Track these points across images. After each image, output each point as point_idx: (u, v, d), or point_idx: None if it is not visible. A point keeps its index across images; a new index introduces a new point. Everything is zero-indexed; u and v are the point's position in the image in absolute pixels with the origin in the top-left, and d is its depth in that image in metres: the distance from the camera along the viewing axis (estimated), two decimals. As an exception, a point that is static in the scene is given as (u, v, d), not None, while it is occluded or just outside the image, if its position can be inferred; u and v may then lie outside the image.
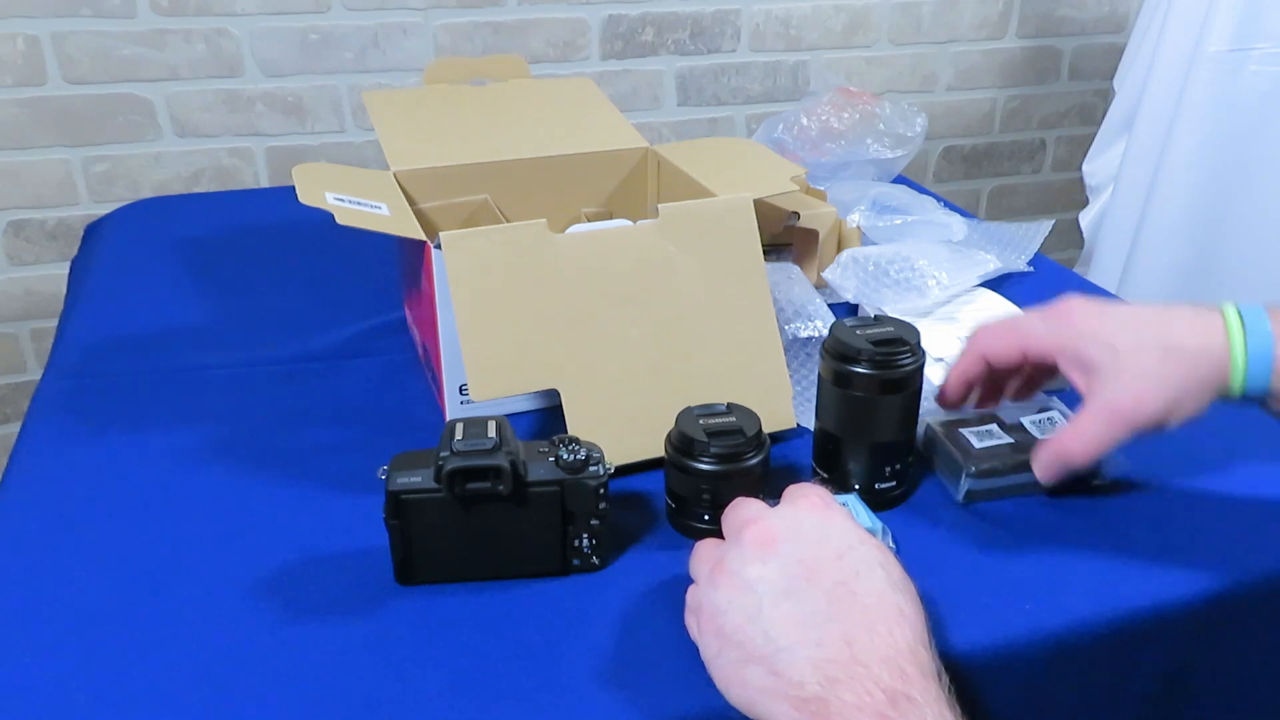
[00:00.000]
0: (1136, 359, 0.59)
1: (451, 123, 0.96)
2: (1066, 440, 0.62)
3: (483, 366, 0.69)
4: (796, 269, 0.95)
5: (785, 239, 0.99)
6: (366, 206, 0.72)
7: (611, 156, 0.91)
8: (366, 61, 1.65)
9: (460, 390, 0.77)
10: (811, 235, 0.97)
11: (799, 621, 0.46)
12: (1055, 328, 0.62)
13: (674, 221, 0.74)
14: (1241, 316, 0.59)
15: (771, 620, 0.47)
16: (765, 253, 0.79)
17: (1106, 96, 1.75)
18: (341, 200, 0.71)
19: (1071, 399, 0.81)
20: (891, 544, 0.66)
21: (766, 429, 0.67)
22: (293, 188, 0.72)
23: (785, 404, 0.75)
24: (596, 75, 1.76)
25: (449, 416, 0.79)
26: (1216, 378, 0.59)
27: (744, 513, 0.54)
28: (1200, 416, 0.60)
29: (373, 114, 0.95)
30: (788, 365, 0.77)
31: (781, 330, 0.84)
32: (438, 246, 0.70)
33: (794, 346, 0.84)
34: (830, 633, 0.45)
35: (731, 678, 0.48)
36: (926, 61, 1.95)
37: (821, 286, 0.96)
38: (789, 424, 0.75)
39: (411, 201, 0.82)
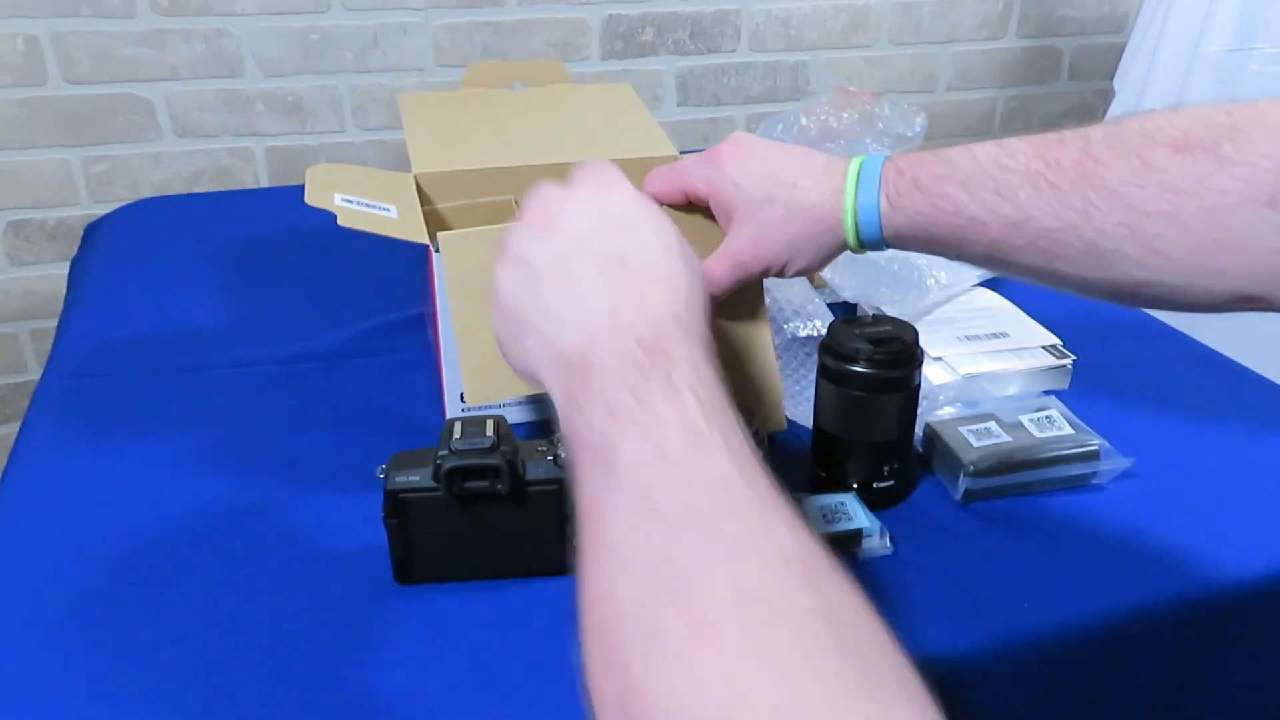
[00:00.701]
0: (762, 212, 0.63)
1: (481, 127, 0.94)
2: None
3: (478, 370, 0.69)
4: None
5: None
6: (373, 208, 0.71)
7: (639, 164, 0.90)
8: (366, 61, 1.65)
9: (461, 398, 0.77)
10: None
11: (572, 294, 0.48)
12: (706, 173, 0.65)
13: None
14: (860, 173, 0.61)
15: (548, 296, 0.49)
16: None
17: (1106, 96, 1.75)
18: (349, 202, 0.70)
19: (1068, 398, 0.81)
20: (889, 544, 0.66)
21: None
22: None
23: (777, 406, 0.75)
24: (596, 75, 1.77)
25: (449, 418, 0.78)
26: (832, 234, 0.62)
27: (530, 198, 0.55)
28: (826, 263, 0.65)
29: (404, 115, 0.93)
30: (787, 365, 0.76)
31: (780, 330, 0.84)
32: (438, 249, 0.70)
33: (793, 346, 0.85)
34: (599, 302, 0.47)
35: (513, 349, 0.51)
36: (926, 61, 1.95)
37: (820, 286, 0.96)
38: (779, 426, 0.75)
39: (430, 203, 0.81)
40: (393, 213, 0.72)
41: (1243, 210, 0.48)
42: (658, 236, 0.51)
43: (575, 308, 0.47)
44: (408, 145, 0.87)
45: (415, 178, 0.81)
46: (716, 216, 0.66)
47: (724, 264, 0.65)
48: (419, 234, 0.71)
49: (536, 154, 0.87)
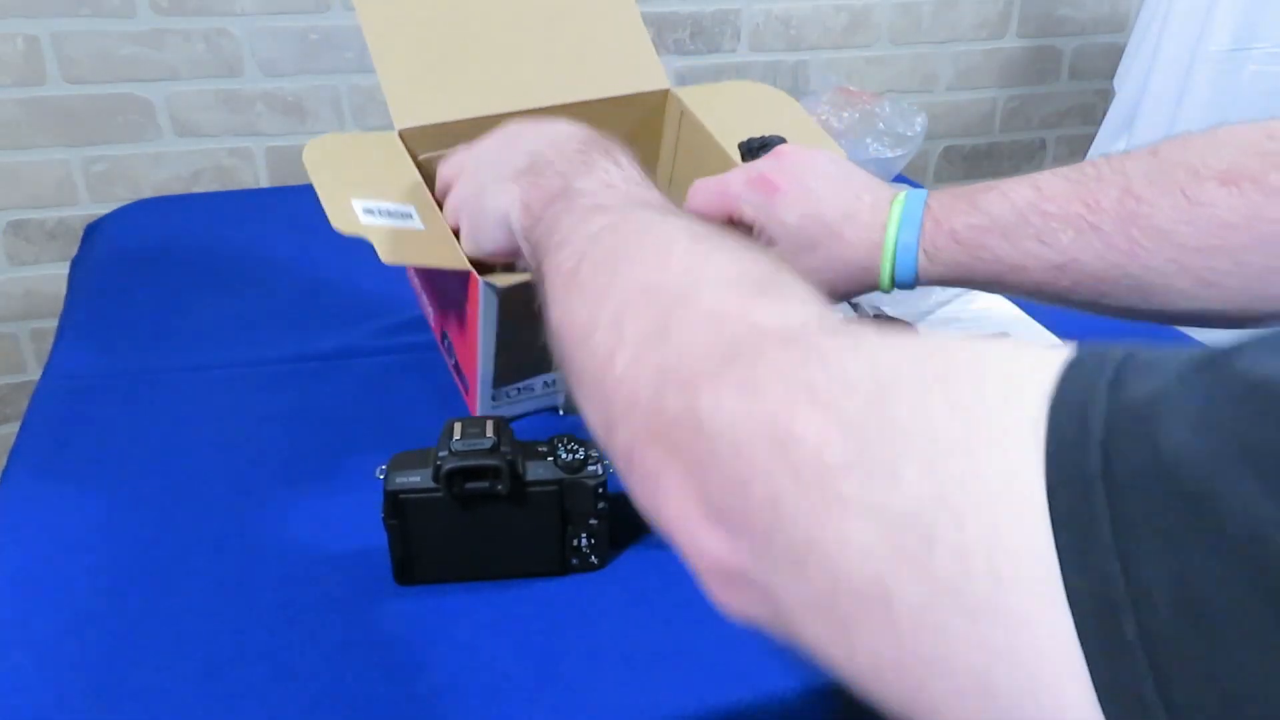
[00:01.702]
0: (803, 255, 0.63)
1: (456, 51, 0.87)
2: None
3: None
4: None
5: None
6: (396, 218, 0.70)
7: (628, 101, 0.88)
8: (366, 61, 1.64)
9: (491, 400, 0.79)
10: None
11: (511, 150, 0.57)
12: (754, 202, 0.64)
13: None
14: (900, 225, 0.60)
15: (489, 166, 0.60)
16: None
17: (1106, 96, 1.75)
18: (371, 213, 0.69)
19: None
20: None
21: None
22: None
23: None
24: (596, 75, 1.76)
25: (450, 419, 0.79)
26: (868, 278, 0.63)
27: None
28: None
29: (362, 15, 0.88)
30: None
31: None
32: (488, 285, 0.69)
33: None
34: (535, 143, 0.56)
35: (478, 219, 0.60)
36: (926, 61, 1.95)
37: None
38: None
39: (413, 155, 0.79)
40: (414, 217, 0.71)
41: None
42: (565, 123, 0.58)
43: (518, 152, 0.56)
44: (381, 81, 0.83)
45: (400, 133, 0.80)
46: (759, 239, 0.65)
47: None
48: (459, 260, 0.67)
49: (523, 95, 0.83)
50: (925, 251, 0.59)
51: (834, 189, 0.63)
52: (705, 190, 0.67)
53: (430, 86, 0.84)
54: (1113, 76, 1.69)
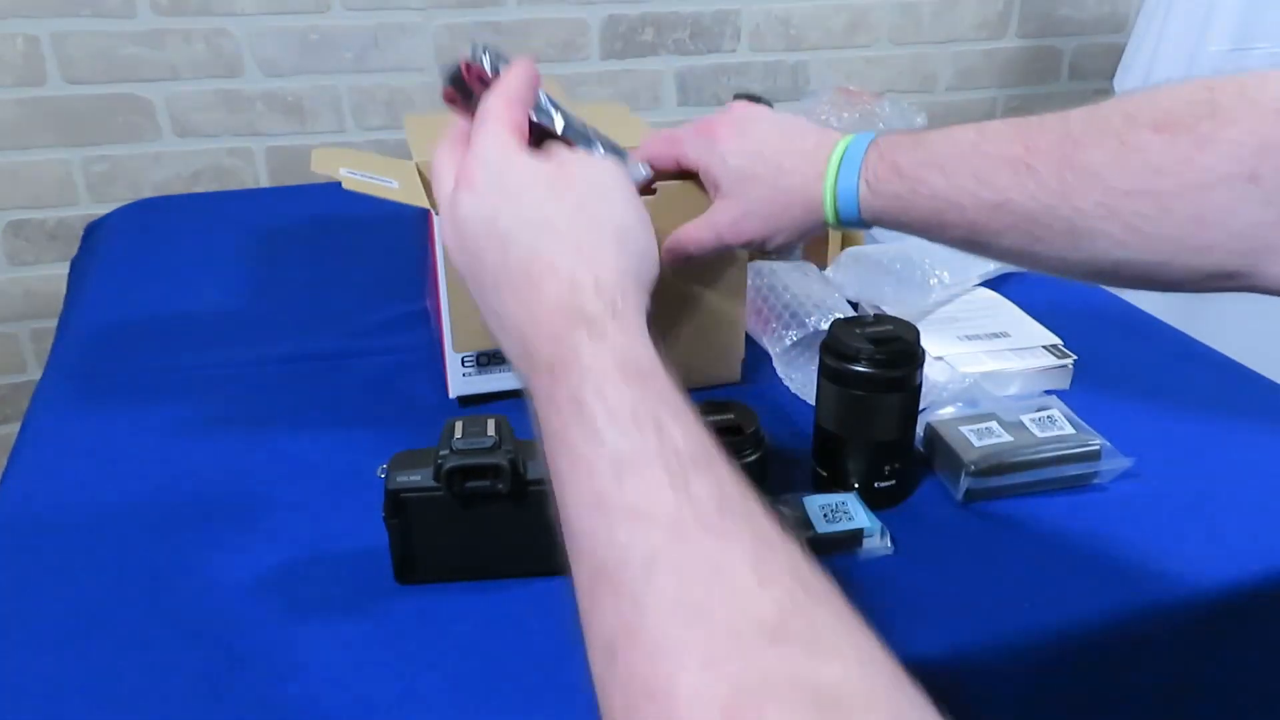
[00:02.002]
0: (746, 188, 0.65)
1: None
2: (681, 235, 0.68)
3: (465, 321, 0.77)
4: (813, 267, 0.95)
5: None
6: (376, 180, 0.73)
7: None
8: (366, 61, 1.65)
9: (463, 362, 0.80)
10: (819, 238, 0.97)
11: (489, 308, 0.50)
12: (698, 145, 0.68)
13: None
14: (843, 157, 0.62)
15: (490, 274, 0.50)
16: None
17: (1106, 96, 1.75)
18: (353, 174, 0.73)
19: (1069, 398, 0.81)
20: (889, 544, 0.66)
21: (710, 379, 0.82)
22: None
23: (734, 363, 0.85)
24: (596, 75, 1.76)
25: (453, 390, 0.81)
26: (812, 214, 0.64)
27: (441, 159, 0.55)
28: (808, 238, 0.70)
29: (409, 132, 0.94)
30: (807, 358, 0.78)
31: (803, 323, 0.84)
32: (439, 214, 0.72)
33: (813, 340, 0.85)
34: (514, 324, 0.48)
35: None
36: (926, 61, 1.95)
37: (815, 263, 0.97)
38: (733, 378, 0.85)
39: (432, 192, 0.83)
40: (395, 185, 0.74)
41: (1224, 187, 0.48)
42: (537, 226, 0.50)
43: (505, 321, 0.48)
44: (410, 146, 0.88)
45: (417, 165, 0.83)
46: (705, 186, 0.69)
47: (707, 232, 0.67)
48: (420, 199, 0.74)
49: None
50: (866, 181, 0.61)
51: (778, 131, 0.66)
52: (655, 141, 0.70)
53: None
54: (1113, 76, 1.69)
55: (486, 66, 0.56)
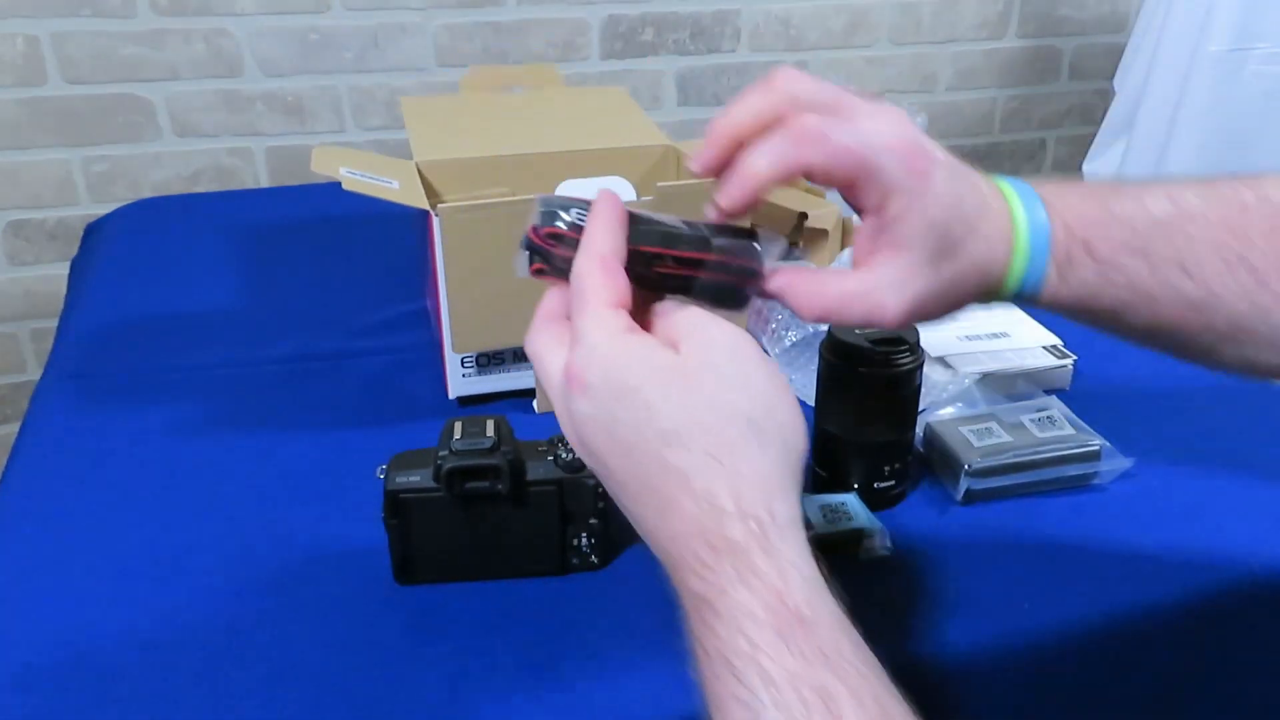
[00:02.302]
0: (941, 258, 0.47)
1: (480, 122, 0.98)
2: (839, 310, 0.48)
3: (466, 323, 0.77)
4: (813, 267, 0.95)
5: (794, 239, 0.99)
6: (377, 180, 0.74)
7: (632, 153, 0.92)
8: (366, 61, 1.65)
9: (463, 362, 0.80)
10: (820, 234, 0.97)
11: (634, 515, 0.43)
12: (891, 170, 0.46)
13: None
14: (1030, 225, 0.48)
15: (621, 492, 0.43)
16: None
17: (1106, 96, 1.75)
18: (354, 174, 0.73)
19: (1068, 398, 0.81)
20: (889, 544, 0.66)
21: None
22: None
23: None
24: (596, 75, 1.76)
25: (452, 391, 0.81)
26: (981, 294, 0.49)
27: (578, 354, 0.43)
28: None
29: (406, 115, 0.96)
30: (807, 359, 0.78)
31: (803, 324, 0.84)
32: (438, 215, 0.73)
33: (813, 339, 0.85)
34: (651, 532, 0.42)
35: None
36: (926, 61, 1.95)
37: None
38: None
39: (433, 193, 0.84)
40: (395, 185, 0.75)
41: None
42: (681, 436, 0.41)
43: (647, 530, 0.42)
44: (410, 139, 0.88)
45: (417, 165, 0.83)
46: (853, 199, 0.48)
47: (903, 305, 0.47)
48: (420, 199, 0.74)
49: (534, 144, 0.90)
50: (1057, 265, 0.48)
51: (949, 168, 0.47)
52: (798, 132, 0.50)
53: (451, 137, 0.94)
54: (1113, 76, 1.69)
55: (562, 226, 0.47)
